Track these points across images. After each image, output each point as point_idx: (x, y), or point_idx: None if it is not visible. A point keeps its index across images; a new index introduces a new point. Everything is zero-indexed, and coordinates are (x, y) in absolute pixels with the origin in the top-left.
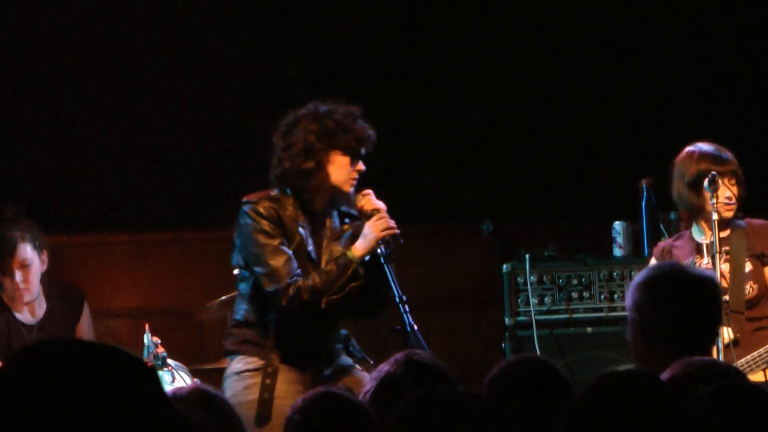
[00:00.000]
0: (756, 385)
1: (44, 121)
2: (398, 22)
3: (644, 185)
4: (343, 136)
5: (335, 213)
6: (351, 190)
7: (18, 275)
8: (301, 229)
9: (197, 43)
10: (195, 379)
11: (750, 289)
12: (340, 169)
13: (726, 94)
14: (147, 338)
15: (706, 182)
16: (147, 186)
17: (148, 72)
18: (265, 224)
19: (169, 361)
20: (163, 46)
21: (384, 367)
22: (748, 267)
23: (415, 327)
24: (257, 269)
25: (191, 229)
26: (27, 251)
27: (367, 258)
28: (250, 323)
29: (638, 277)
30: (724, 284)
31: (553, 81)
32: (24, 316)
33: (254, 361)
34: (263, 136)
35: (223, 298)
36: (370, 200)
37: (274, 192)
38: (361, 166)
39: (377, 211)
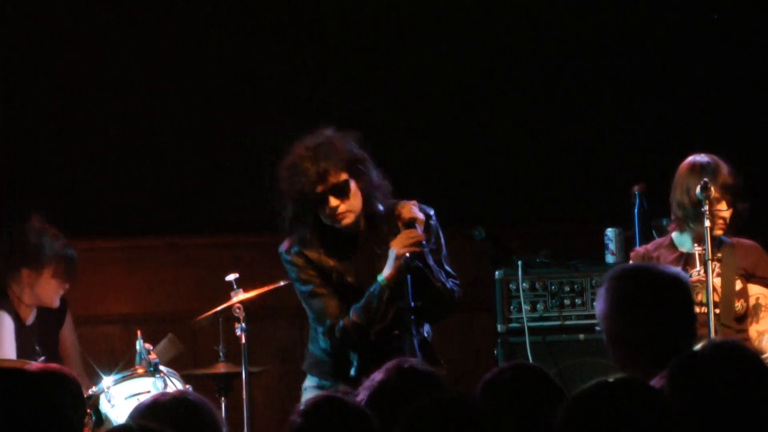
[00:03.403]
0: None
1: (35, 129)
2: (391, 26)
3: (636, 192)
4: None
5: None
6: (344, 223)
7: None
8: (334, 263)
9: (192, 47)
10: (187, 386)
11: (740, 306)
12: (326, 214)
13: (720, 101)
14: (139, 345)
15: (698, 189)
16: (139, 192)
17: (140, 78)
18: (297, 271)
19: (161, 367)
20: (156, 51)
21: (376, 376)
22: (738, 285)
23: (414, 334)
24: (308, 314)
25: (183, 235)
26: None
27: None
28: (314, 349)
29: (604, 284)
30: (716, 298)
31: (546, 88)
32: (24, 315)
33: (316, 381)
34: (256, 142)
35: (217, 309)
36: (409, 209)
37: (297, 235)
38: (332, 202)
39: (414, 220)
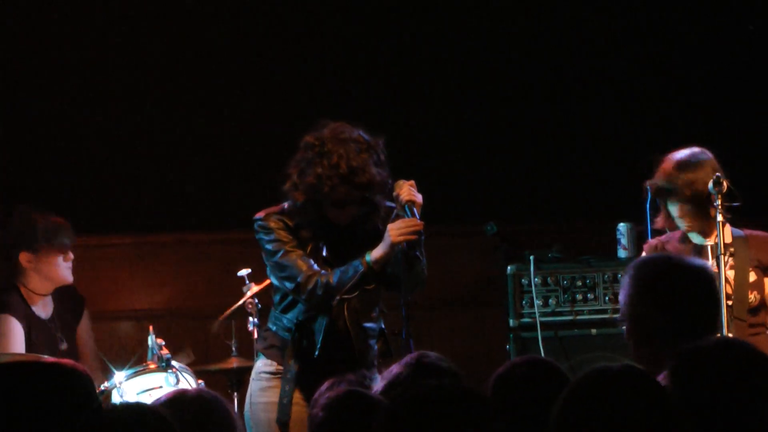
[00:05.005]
0: None
1: (46, 124)
2: (399, 22)
3: (648, 187)
4: (335, 193)
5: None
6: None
7: (71, 255)
8: (315, 237)
9: (200, 44)
10: (199, 381)
11: (753, 298)
12: (336, 215)
13: (730, 95)
14: (151, 340)
15: (711, 183)
16: (150, 188)
17: (150, 75)
18: (274, 233)
19: (174, 362)
20: (165, 48)
21: (394, 369)
22: (752, 277)
23: (410, 332)
24: (279, 274)
25: (194, 231)
26: None
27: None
28: (277, 329)
29: (630, 271)
30: (729, 290)
31: (557, 82)
32: (39, 310)
33: (273, 365)
34: (265, 138)
35: (234, 307)
36: (408, 190)
37: (286, 205)
38: (343, 211)
39: (413, 203)
